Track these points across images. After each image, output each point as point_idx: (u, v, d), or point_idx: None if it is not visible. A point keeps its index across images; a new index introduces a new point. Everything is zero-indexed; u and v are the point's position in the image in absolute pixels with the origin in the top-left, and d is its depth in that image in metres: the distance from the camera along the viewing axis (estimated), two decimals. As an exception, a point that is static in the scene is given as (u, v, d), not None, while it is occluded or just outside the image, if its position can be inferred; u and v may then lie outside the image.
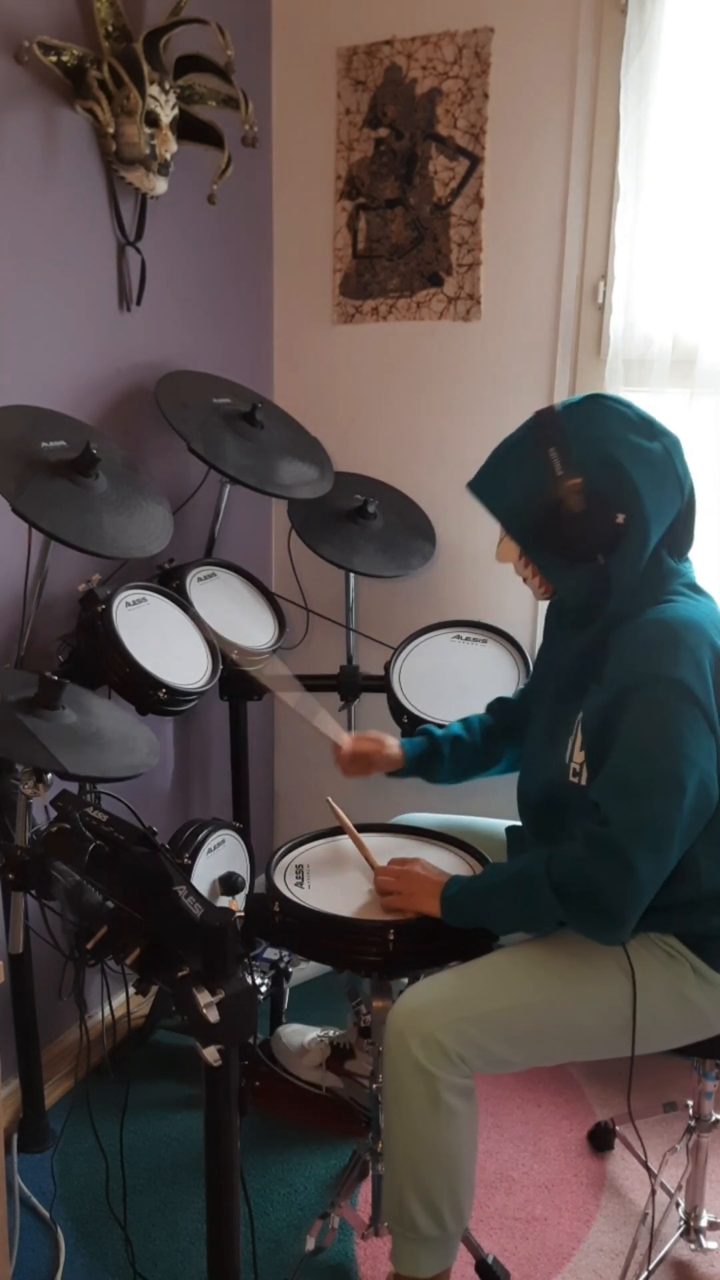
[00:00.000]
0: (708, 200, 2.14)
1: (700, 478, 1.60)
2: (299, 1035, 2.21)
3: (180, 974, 1.31)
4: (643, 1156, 2.00)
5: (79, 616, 1.99)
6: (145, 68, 2.00)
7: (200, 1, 2.11)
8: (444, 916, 1.57)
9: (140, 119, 2.02)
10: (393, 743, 1.91)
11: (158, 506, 2.02)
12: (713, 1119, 1.80)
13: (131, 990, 1.49)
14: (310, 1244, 1.83)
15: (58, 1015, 2.28)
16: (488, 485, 1.61)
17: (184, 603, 2.12)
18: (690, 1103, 1.82)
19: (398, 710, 2.24)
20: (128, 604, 1.99)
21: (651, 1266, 1.80)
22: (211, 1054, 1.30)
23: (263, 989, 2.30)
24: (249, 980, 1.33)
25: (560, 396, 2.42)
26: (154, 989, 2.07)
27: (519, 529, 1.59)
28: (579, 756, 1.57)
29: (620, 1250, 1.87)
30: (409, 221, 2.50)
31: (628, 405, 1.55)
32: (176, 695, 1.93)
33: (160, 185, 2.15)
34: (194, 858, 2.04)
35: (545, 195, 2.35)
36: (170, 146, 2.10)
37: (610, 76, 2.21)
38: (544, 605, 2.46)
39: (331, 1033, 2.19)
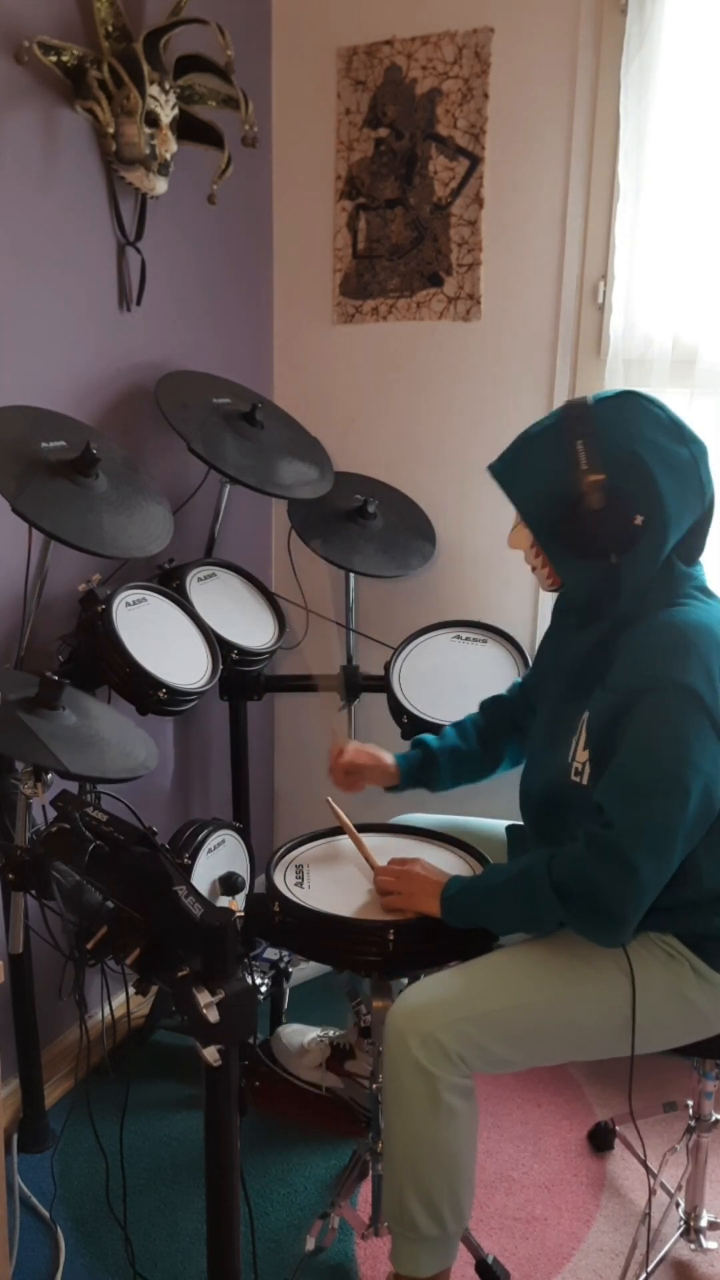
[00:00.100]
0: (708, 200, 2.14)
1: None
2: (299, 1035, 2.21)
3: (180, 974, 1.30)
4: (643, 1157, 2.00)
5: (79, 616, 1.99)
6: (145, 68, 2.00)
7: (200, 1, 2.11)
8: (444, 916, 1.57)
9: (140, 119, 2.02)
10: (389, 759, 1.91)
11: (158, 506, 2.02)
12: (713, 1119, 1.80)
13: (131, 990, 1.49)
14: (310, 1244, 1.83)
15: (58, 1015, 2.28)
16: (509, 470, 1.59)
17: (184, 603, 2.12)
18: (690, 1103, 1.82)
19: (398, 710, 2.24)
20: (128, 604, 1.99)
21: (651, 1266, 1.80)
22: (211, 1054, 1.29)
23: (263, 989, 2.30)
24: (249, 980, 1.32)
25: (560, 396, 2.42)
26: (154, 989, 2.07)
27: (535, 518, 1.57)
28: (582, 756, 1.56)
29: (620, 1250, 1.87)
30: (409, 221, 2.50)
31: (661, 407, 1.53)
32: (176, 695, 1.93)
33: (160, 185, 2.15)
34: (194, 858, 2.04)
35: (545, 195, 2.35)
36: (170, 146, 2.10)
37: (610, 76, 2.21)
38: (545, 605, 2.47)
39: (331, 1033, 2.19)
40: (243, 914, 1.62)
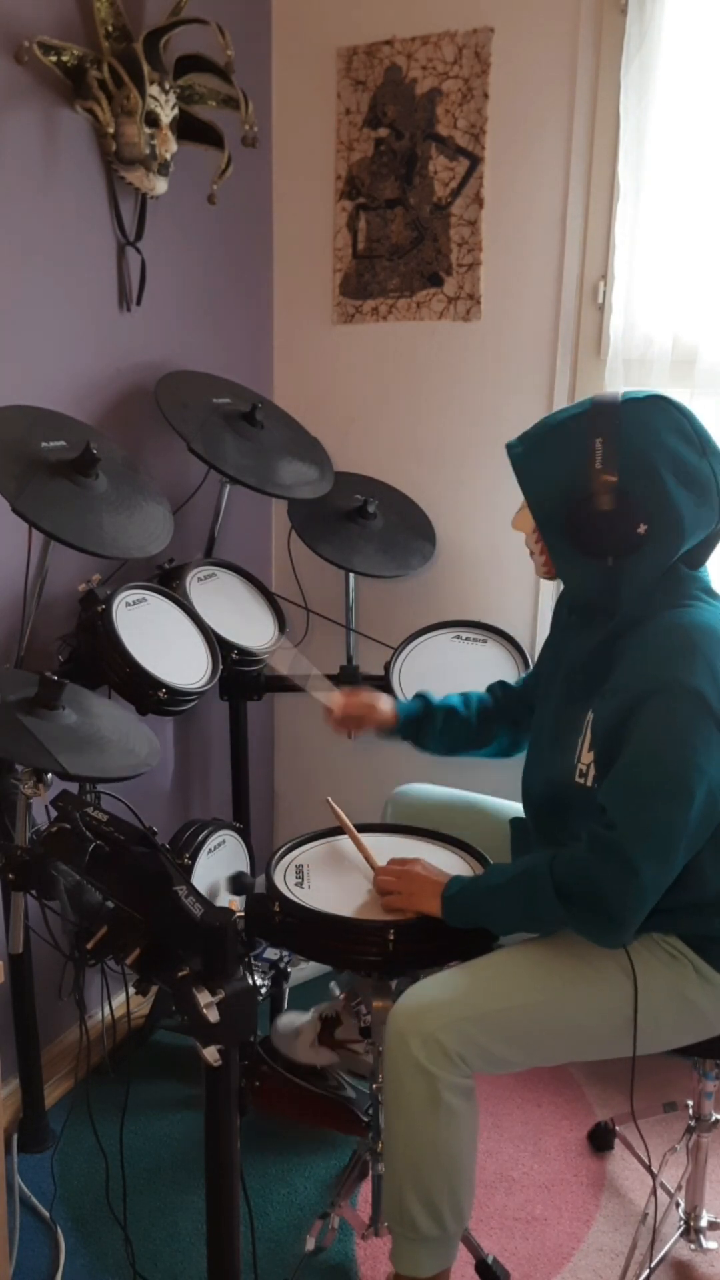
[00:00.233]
0: (708, 200, 2.14)
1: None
2: (292, 1021, 2.21)
3: (180, 974, 1.30)
4: (643, 1157, 2.00)
5: (79, 616, 1.99)
6: (145, 68, 2.00)
7: (200, 1, 2.11)
8: (444, 916, 1.57)
9: (140, 119, 2.02)
10: (386, 703, 1.92)
11: (158, 506, 2.02)
12: (713, 1119, 1.80)
13: (131, 990, 1.49)
14: (310, 1244, 1.83)
15: (58, 1015, 2.28)
16: (527, 453, 1.57)
17: (184, 603, 2.12)
18: (690, 1103, 1.82)
19: (398, 710, 2.24)
20: (128, 604, 1.99)
21: (651, 1266, 1.80)
22: (211, 1054, 1.29)
23: (262, 989, 2.30)
24: (249, 980, 1.32)
25: (560, 397, 2.42)
26: (154, 989, 2.06)
27: (541, 507, 1.56)
28: (586, 758, 1.56)
29: (620, 1250, 1.87)
30: (409, 221, 2.50)
31: (689, 417, 1.51)
32: (176, 695, 1.93)
33: (160, 185, 2.15)
34: (194, 858, 2.04)
35: (545, 195, 2.35)
36: (170, 146, 2.10)
37: (610, 76, 2.21)
38: (545, 605, 2.48)
39: (319, 1008, 2.19)
40: (243, 914, 1.62)
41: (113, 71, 1.99)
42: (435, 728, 1.89)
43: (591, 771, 1.55)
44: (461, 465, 2.56)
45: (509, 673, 2.31)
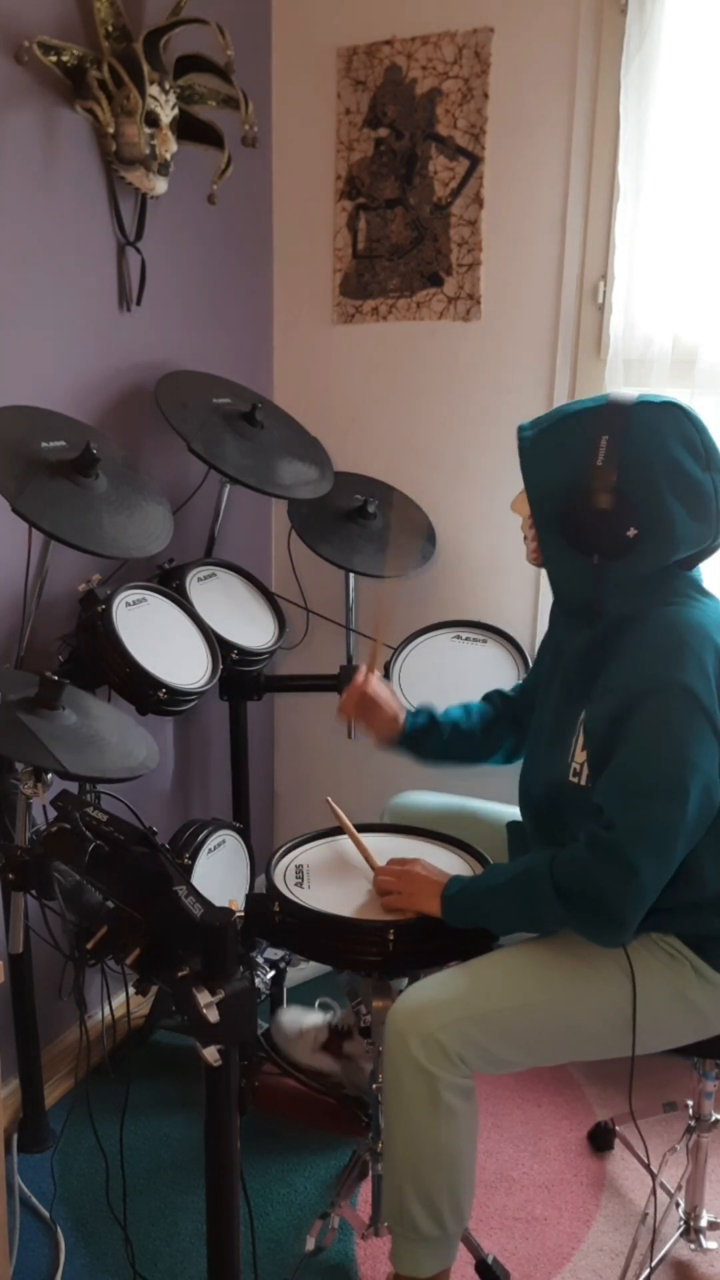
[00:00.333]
0: (708, 200, 2.14)
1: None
2: (296, 1020, 2.21)
3: (180, 974, 1.30)
4: (643, 1157, 2.00)
5: (79, 616, 1.99)
6: (145, 68, 2.00)
7: (200, 1, 2.11)
8: (444, 916, 1.57)
9: (140, 119, 2.02)
10: (400, 713, 1.90)
11: (158, 506, 2.02)
12: (713, 1119, 1.80)
13: (131, 990, 1.49)
14: (310, 1244, 1.83)
15: (58, 1015, 2.28)
16: (533, 439, 1.57)
17: (184, 603, 2.12)
18: (690, 1103, 1.82)
19: (398, 710, 2.24)
20: (128, 604, 1.99)
21: (651, 1266, 1.80)
22: (211, 1054, 1.29)
23: (262, 989, 2.30)
24: (249, 980, 1.32)
25: (560, 396, 2.42)
26: (154, 989, 2.06)
27: (538, 494, 1.57)
28: (580, 757, 1.56)
29: (620, 1250, 1.87)
30: (409, 221, 2.50)
31: (700, 430, 1.51)
32: (176, 695, 1.93)
33: (160, 185, 2.15)
34: (194, 858, 2.04)
35: (545, 195, 2.35)
36: (170, 146, 2.10)
37: (610, 76, 2.21)
38: (545, 605, 2.47)
39: (329, 1015, 2.19)
40: (243, 914, 1.62)
41: (113, 71, 1.99)
42: (441, 741, 1.89)
43: (585, 771, 1.55)
44: (461, 465, 2.56)
45: (509, 673, 2.31)
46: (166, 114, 2.07)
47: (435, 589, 2.60)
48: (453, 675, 2.30)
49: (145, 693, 1.90)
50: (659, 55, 2.12)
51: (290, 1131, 2.14)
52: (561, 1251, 1.88)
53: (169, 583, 2.16)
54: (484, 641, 2.37)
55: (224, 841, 2.16)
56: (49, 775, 1.64)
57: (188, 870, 2.00)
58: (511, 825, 1.83)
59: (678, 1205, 1.87)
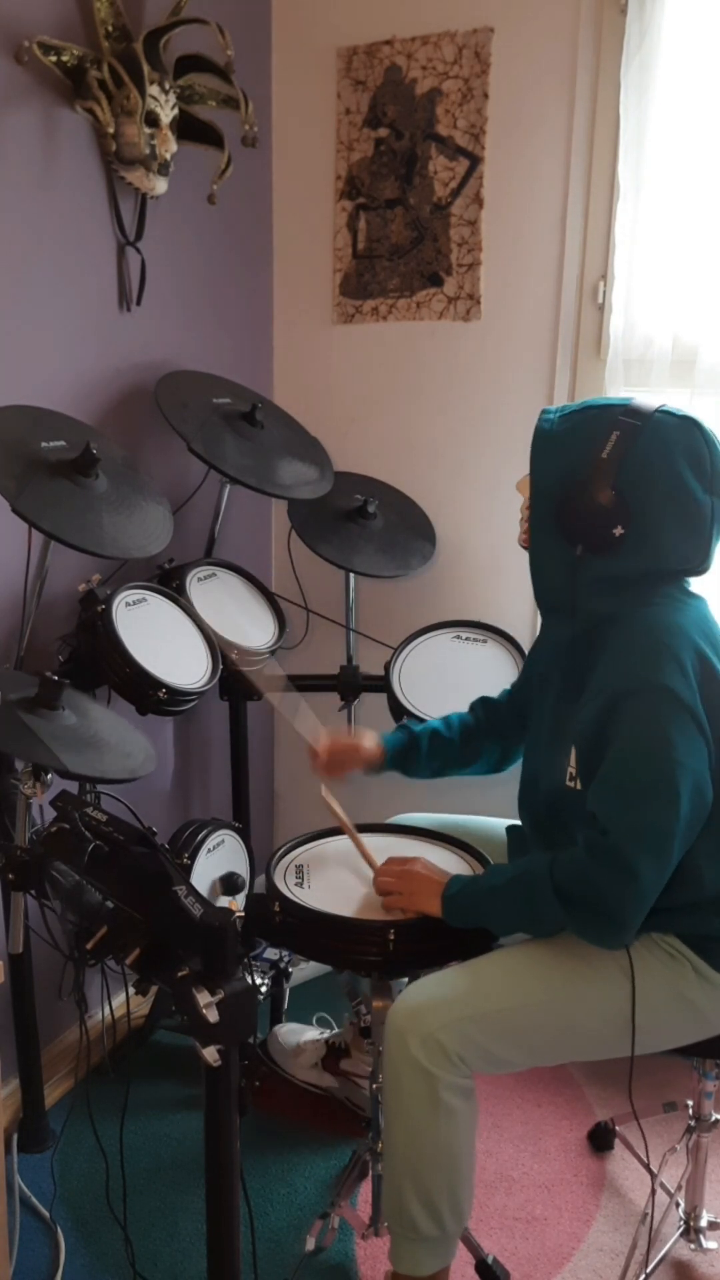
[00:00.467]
0: (708, 200, 2.14)
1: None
2: (294, 1035, 2.21)
3: (180, 974, 1.31)
4: (643, 1157, 2.00)
5: (79, 616, 1.99)
6: (145, 68, 2.00)
7: (200, 1, 2.11)
8: (445, 916, 1.57)
9: (140, 119, 2.02)
10: (371, 740, 1.90)
11: (158, 506, 2.02)
12: (713, 1119, 1.80)
13: (131, 990, 1.49)
14: (310, 1244, 1.83)
15: (58, 1015, 2.28)
16: (555, 421, 1.58)
17: (184, 603, 2.12)
18: (690, 1103, 1.82)
19: (398, 710, 2.24)
20: (128, 604, 1.99)
21: (651, 1266, 1.80)
22: (211, 1054, 1.29)
23: (263, 989, 2.30)
24: (249, 980, 1.32)
25: (560, 397, 2.42)
26: (154, 989, 2.07)
27: (540, 475, 1.58)
28: (574, 759, 1.57)
29: (620, 1250, 1.87)
30: (409, 221, 2.50)
31: (713, 450, 1.52)
32: (176, 695, 1.93)
33: (160, 185, 2.15)
34: (194, 858, 2.04)
35: (545, 195, 2.35)
36: (170, 146, 2.10)
37: (610, 76, 2.21)
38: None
39: (327, 1033, 2.19)
40: (243, 914, 1.62)
41: (113, 71, 1.99)
42: (421, 755, 1.89)
43: (578, 775, 1.56)
44: (461, 465, 2.56)
45: (509, 672, 2.30)
46: (166, 114, 2.07)
47: (435, 589, 2.60)
48: (453, 675, 2.30)
49: (145, 693, 1.90)
50: (659, 55, 2.12)
51: (290, 1131, 2.14)
52: (561, 1251, 1.88)
53: (169, 583, 2.16)
54: (484, 641, 2.38)
55: (224, 841, 2.16)
56: (49, 775, 1.64)
57: (187, 870, 2.00)
58: (511, 829, 1.83)
59: (678, 1205, 1.87)
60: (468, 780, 2.14)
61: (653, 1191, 1.90)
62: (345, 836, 1.81)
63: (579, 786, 1.56)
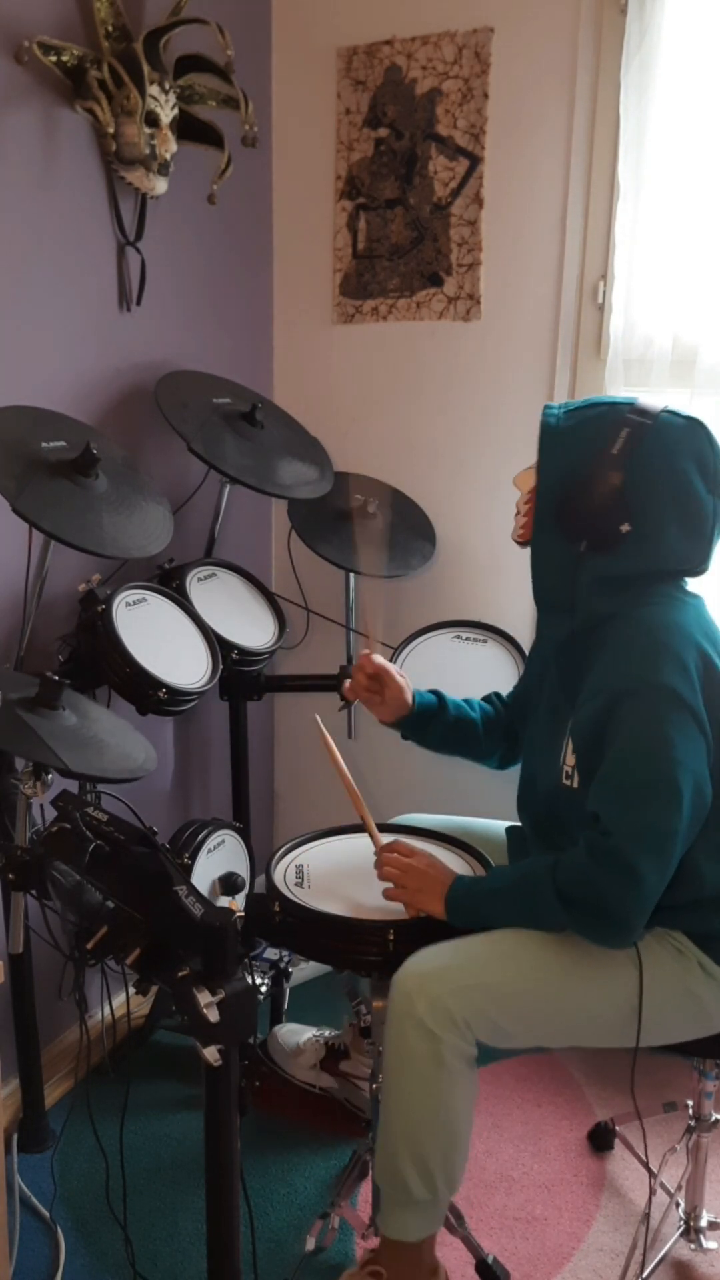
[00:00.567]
0: (708, 200, 2.14)
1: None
2: (294, 1035, 2.21)
3: (180, 974, 1.30)
4: (643, 1157, 2.00)
5: (79, 616, 1.99)
6: (145, 68, 2.00)
7: (200, 1, 2.11)
8: (447, 916, 1.57)
9: (140, 119, 2.02)
10: (409, 689, 1.88)
11: (158, 506, 2.02)
12: (713, 1119, 1.80)
13: (131, 990, 1.49)
14: (310, 1244, 1.83)
15: (58, 1015, 2.28)
16: (561, 417, 1.59)
17: (184, 603, 2.12)
18: (690, 1103, 1.82)
19: (398, 710, 2.24)
20: (128, 604, 1.99)
21: (651, 1266, 1.80)
22: (211, 1054, 1.29)
23: (263, 989, 2.30)
24: (249, 980, 1.32)
25: (560, 397, 2.42)
26: (154, 989, 2.07)
27: (546, 472, 1.58)
28: (570, 760, 1.57)
29: (620, 1250, 1.87)
30: (409, 221, 2.50)
31: (717, 453, 1.53)
32: (177, 695, 1.93)
33: (160, 185, 2.15)
34: (194, 858, 2.04)
35: (545, 195, 2.35)
36: (170, 146, 2.10)
37: (610, 76, 2.21)
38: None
39: (327, 1033, 2.20)
40: (243, 914, 1.62)
41: (113, 71, 1.99)
42: (446, 723, 1.88)
43: (575, 774, 1.56)
44: (461, 465, 2.56)
45: (509, 673, 2.31)
46: (166, 114, 2.07)
47: (435, 589, 2.60)
48: (453, 675, 2.30)
49: (145, 693, 1.90)
50: (659, 55, 2.12)
51: (290, 1131, 2.14)
52: (561, 1251, 1.88)
53: (169, 583, 2.16)
54: (484, 641, 2.38)
55: (224, 841, 2.16)
56: (49, 775, 1.64)
57: (187, 870, 2.00)
58: (511, 830, 1.83)
59: (678, 1205, 1.87)
60: (467, 781, 2.15)
61: (652, 1191, 1.90)
62: (345, 837, 1.81)
63: (576, 785, 1.56)
